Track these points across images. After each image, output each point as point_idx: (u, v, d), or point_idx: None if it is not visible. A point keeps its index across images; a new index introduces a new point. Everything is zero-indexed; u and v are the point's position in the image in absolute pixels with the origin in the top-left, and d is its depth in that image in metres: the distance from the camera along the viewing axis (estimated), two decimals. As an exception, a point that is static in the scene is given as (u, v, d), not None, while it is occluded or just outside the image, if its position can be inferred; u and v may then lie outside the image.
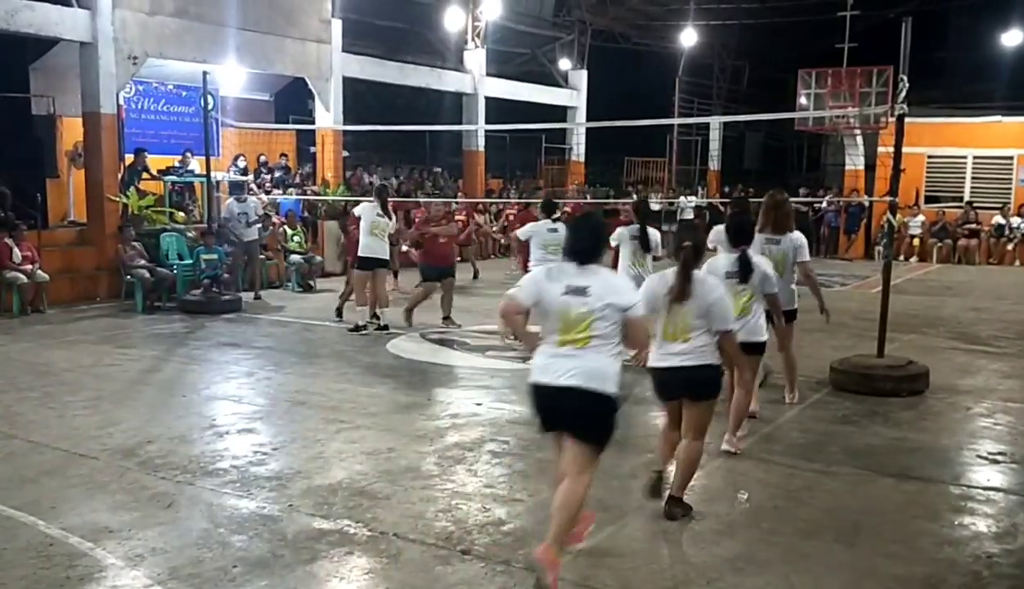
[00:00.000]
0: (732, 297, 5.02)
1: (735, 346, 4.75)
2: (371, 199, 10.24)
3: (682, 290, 4.54)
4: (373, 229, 9.79)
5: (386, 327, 9.96)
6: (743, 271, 5.51)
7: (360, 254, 9.85)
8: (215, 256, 11.79)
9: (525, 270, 8.29)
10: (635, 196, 10.21)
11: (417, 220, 10.44)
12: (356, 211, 10.17)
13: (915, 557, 4.25)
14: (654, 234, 8.13)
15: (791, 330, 6.68)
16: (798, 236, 6.67)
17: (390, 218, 9.99)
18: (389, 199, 10.24)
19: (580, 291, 3.89)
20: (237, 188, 12.81)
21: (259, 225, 12.87)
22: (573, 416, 3.89)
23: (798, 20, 24.72)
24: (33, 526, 4.52)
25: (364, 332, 9.85)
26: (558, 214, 9.01)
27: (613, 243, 7.79)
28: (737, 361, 5.04)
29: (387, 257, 10.10)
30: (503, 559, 4.15)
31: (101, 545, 4.29)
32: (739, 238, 5.61)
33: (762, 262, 5.70)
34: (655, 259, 8.04)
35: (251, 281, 12.85)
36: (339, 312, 10.77)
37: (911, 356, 8.04)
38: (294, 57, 15.66)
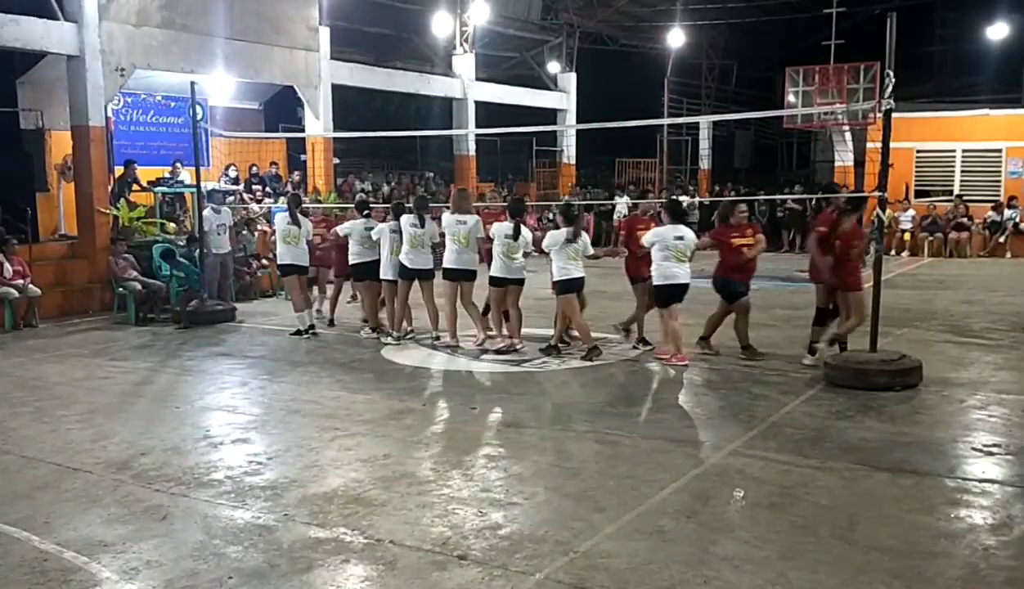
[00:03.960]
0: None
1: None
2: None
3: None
4: (285, 238, 10.19)
5: (310, 330, 10.20)
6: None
7: (278, 262, 10.49)
8: (182, 274, 11.76)
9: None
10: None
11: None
12: (275, 222, 10.70)
13: (912, 551, 4.25)
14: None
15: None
16: (474, 217, 9.25)
17: (299, 226, 10.20)
18: (300, 207, 10.57)
19: (680, 238, 8.24)
20: (215, 197, 12.48)
21: (229, 235, 12.43)
22: (684, 293, 8.29)
23: (785, 18, 24.81)
24: (27, 542, 4.50)
25: (307, 335, 10.19)
26: (369, 212, 10.24)
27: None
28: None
29: (304, 263, 10.39)
30: (500, 563, 4.14)
31: (96, 559, 4.27)
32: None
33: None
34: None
35: (222, 293, 12.30)
36: (331, 322, 10.91)
37: (904, 350, 8.08)
38: (282, 65, 15.66)
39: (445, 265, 9.24)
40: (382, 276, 9.78)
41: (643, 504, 4.87)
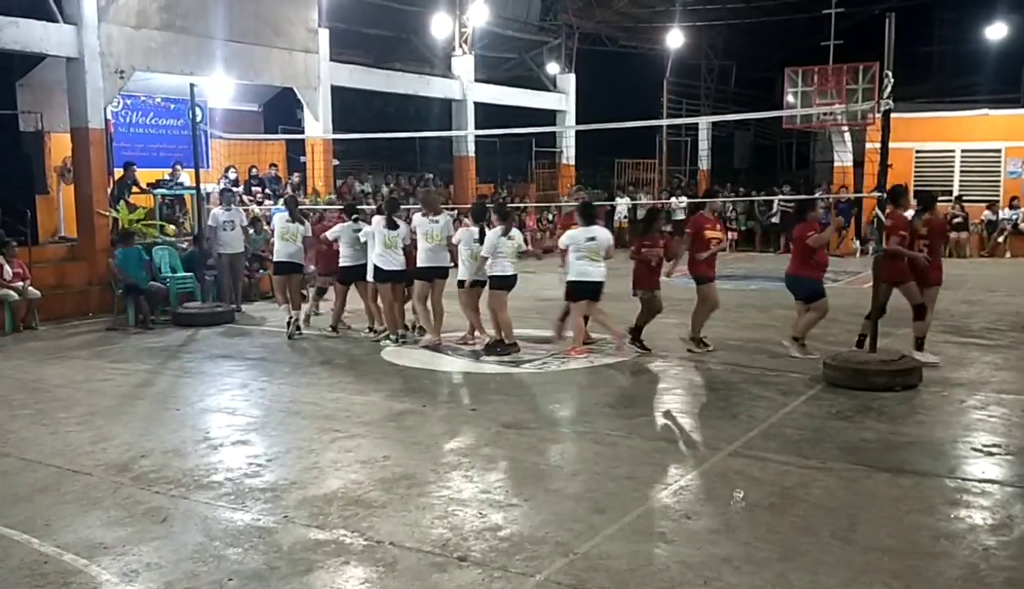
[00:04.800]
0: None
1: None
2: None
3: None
4: (284, 235, 10.42)
5: (299, 328, 10.37)
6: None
7: (275, 259, 10.68)
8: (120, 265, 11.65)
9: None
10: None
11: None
12: (273, 221, 10.99)
13: (912, 551, 4.25)
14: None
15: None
16: (446, 216, 9.50)
17: (301, 224, 10.49)
18: (298, 207, 10.83)
19: (592, 238, 8.59)
20: (226, 195, 12.68)
21: (242, 236, 12.49)
22: (598, 291, 8.64)
23: (784, 19, 24.81)
24: (27, 544, 4.50)
25: (299, 333, 10.31)
26: (357, 215, 10.28)
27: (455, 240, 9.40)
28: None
29: (300, 261, 10.57)
30: (500, 565, 4.14)
31: (96, 562, 4.27)
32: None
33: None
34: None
35: (222, 294, 12.39)
36: (334, 327, 10.71)
37: (904, 350, 8.07)
38: (282, 67, 15.66)
39: (420, 264, 9.39)
40: (370, 278, 9.90)
41: (643, 505, 4.87)
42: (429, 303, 9.59)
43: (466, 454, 5.87)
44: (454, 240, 9.28)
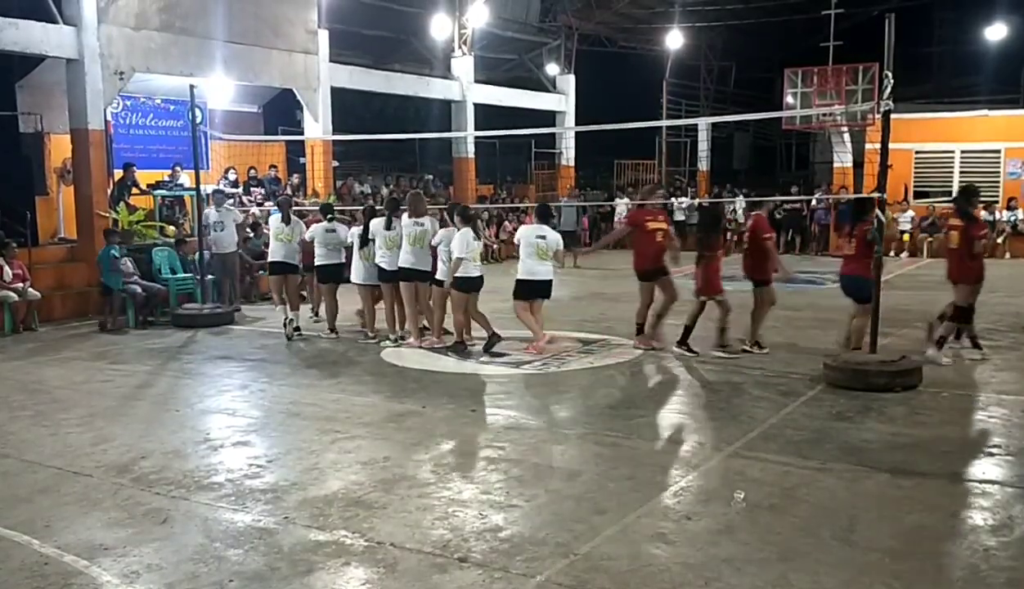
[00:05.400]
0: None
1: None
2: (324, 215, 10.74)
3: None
4: (278, 236, 10.51)
5: (298, 329, 10.37)
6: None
7: (269, 260, 10.77)
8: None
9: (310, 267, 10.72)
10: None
11: None
12: (270, 222, 11.11)
13: (912, 552, 4.25)
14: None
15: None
16: (431, 219, 9.51)
17: (289, 224, 10.54)
18: (290, 208, 10.86)
19: (542, 237, 8.91)
20: (217, 196, 12.69)
21: (235, 236, 12.55)
22: (546, 290, 8.95)
23: (783, 19, 24.83)
24: (27, 546, 4.49)
25: (298, 333, 10.32)
26: (332, 215, 10.42)
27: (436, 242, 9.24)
28: None
29: (295, 262, 10.64)
30: (501, 566, 4.14)
31: (96, 563, 4.27)
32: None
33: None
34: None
35: (227, 294, 12.56)
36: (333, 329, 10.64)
37: (904, 351, 8.07)
38: (281, 68, 15.67)
39: (401, 265, 9.41)
40: (355, 280, 9.98)
41: (643, 506, 4.87)
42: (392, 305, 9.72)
43: (466, 455, 5.87)
44: (433, 242, 9.20)
